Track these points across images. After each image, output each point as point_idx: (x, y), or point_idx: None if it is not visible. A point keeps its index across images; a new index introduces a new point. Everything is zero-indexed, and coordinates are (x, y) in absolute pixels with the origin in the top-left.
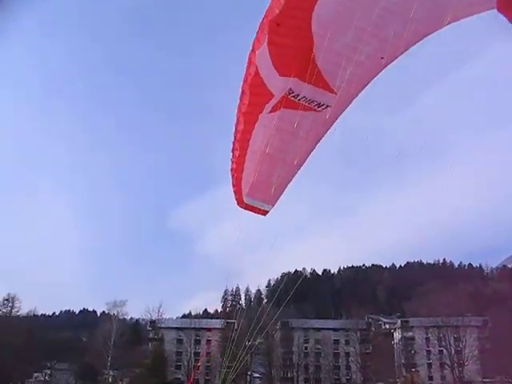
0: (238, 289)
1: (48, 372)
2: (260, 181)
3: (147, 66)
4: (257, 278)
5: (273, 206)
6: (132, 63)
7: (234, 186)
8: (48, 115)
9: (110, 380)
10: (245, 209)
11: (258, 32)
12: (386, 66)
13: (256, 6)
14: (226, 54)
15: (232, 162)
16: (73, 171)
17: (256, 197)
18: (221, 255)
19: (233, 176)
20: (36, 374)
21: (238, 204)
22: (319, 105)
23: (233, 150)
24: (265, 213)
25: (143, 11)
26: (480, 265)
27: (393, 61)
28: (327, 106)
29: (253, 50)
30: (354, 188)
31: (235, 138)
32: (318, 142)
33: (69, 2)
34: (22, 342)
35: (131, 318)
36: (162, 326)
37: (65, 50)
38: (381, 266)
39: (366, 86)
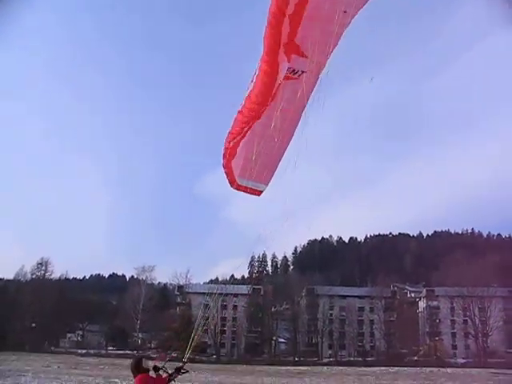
0: (264, 255)
1: (80, 333)
2: (249, 159)
3: (182, 39)
4: (283, 245)
5: (266, 185)
6: (168, 38)
7: (224, 167)
8: (85, 87)
9: (139, 342)
10: (238, 190)
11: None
12: (350, 21)
13: None
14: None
15: (226, 148)
16: (103, 138)
17: (247, 177)
18: (247, 221)
19: (224, 157)
20: (69, 335)
21: (231, 186)
22: (294, 71)
23: (229, 137)
24: (259, 193)
25: None
26: (510, 235)
27: (356, 13)
28: (302, 72)
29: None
30: (384, 155)
31: (239, 128)
32: (302, 111)
33: None
34: (55, 304)
35: (159, 282)
36: (190, 291)
37: (101, 25)
38: (408, 235)
39: (335, 45)
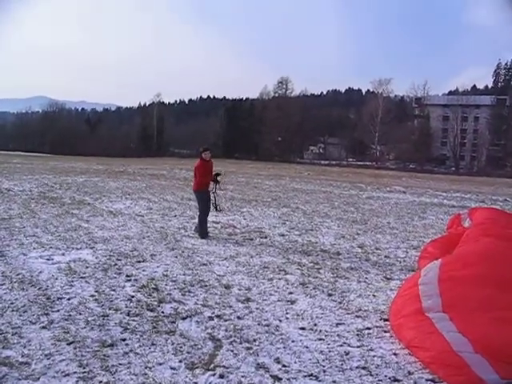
0: None
1: (322, 146)
2: None
3: None
4: None
5: None
6: None
7: None
8: None
9: (378, 154)
10: None
11: None
12: None
13: None
14: None
15: None
16: None
17: None
18: (495, 23)
19: None
20: (311, 148)
21: None
22: None
23: None
24: None
25: None
26: None
27: None
28: None
29: None
30: None
31: None
32: None
33: None
34: (297, 119)
35: (396, 95)
36: (428, 103)
37: None
38: None
39: None
